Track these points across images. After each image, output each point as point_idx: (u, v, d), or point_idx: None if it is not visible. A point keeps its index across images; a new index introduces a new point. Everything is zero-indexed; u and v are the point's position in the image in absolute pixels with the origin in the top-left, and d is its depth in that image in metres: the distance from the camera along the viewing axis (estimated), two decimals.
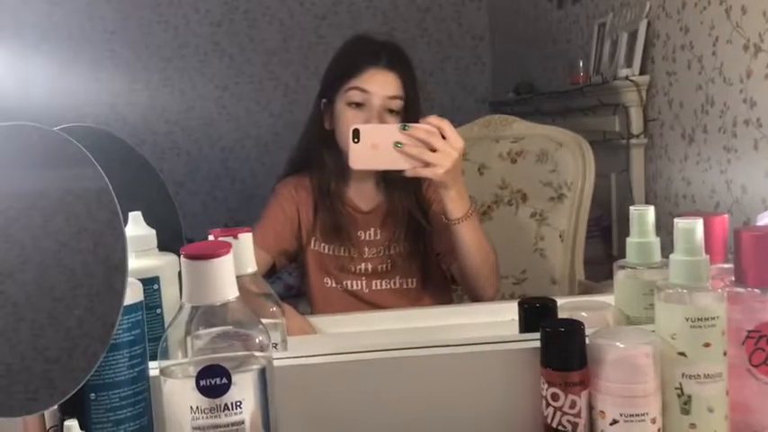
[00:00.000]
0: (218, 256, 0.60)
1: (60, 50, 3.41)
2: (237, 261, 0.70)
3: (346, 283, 1.28)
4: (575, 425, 0.64)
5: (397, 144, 1.04)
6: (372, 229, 1.28)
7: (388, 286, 1.28)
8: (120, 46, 3.57)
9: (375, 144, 1.05)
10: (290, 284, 2.52)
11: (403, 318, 1.16)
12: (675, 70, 1.86)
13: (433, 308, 1.26)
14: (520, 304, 0.75)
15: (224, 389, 0.60)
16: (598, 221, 1.92)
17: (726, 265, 0.70)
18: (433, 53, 3.86)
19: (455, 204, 1.12)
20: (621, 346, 0.63)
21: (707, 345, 0.62)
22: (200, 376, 0.59)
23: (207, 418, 0.60)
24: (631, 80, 1.97)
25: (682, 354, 0.63)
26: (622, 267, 0.75)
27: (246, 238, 0.71)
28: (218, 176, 3.72)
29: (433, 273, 1.31)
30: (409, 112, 1.22)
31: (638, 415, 0.62)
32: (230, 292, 0.61)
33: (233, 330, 0.62)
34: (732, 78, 1.60)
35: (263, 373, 0.62)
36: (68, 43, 3.46)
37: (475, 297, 1.23)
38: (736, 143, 1.60)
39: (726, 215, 0.74)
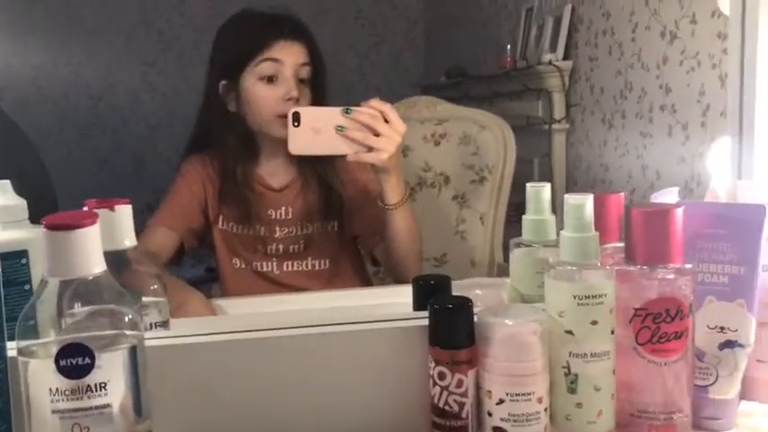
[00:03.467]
0: (82, 226, 0.56)
1: None
2: (114, 234, 0.66)
3: (256, 264, 1.24)
4: (461, 405, 0.62)
5: (339, 128, 1.01)
6: (284, 208, 1.24)
7: (300, 268, 1.24)
8: (41, 17, 3.40)
9: (316, 128, 1.01)
10: (211, 267, 2.47)
11: (315, 300, 1.13)
12: (597, 56, 1.88)
13: (347, 290, 1.24)
14: (414, 281, 0.73)
15: (86, 369, 0.56)
16: (520, 206, 1.93)
17: (620, 244, 0.70)
18: (368, 35, 3.83)
19: (393, 190, 1.10)
20: (509, 323, 0.61)
21: (594, 323, 0.62)
22: (59, 356, 0.55)
23: (68, 400, 0.56)
24: (555, 65, 1.98)
25: (569, 332, 0.62)
26: (518, 245, 0.73)
27: (125, 210, 0.67)
28: (143, 155, 3.61)
29: (348, 254, 1.28)
30: (317, 80, 1.19)
31: (524, 394, 0.61)
32: (95, 266, 0.57)
33: (105, 308, 0.58)
34: (649, 64, 1.63)
35: (133, 352, 0.58)
36: None
37: (399, 279, 1.21)
38: (652, 129, 1.62)
39: (622, 193, 0.74)
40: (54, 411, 0.56)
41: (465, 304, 0.63)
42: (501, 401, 0.61)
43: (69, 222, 0.55)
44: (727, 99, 0.87)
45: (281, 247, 1.23)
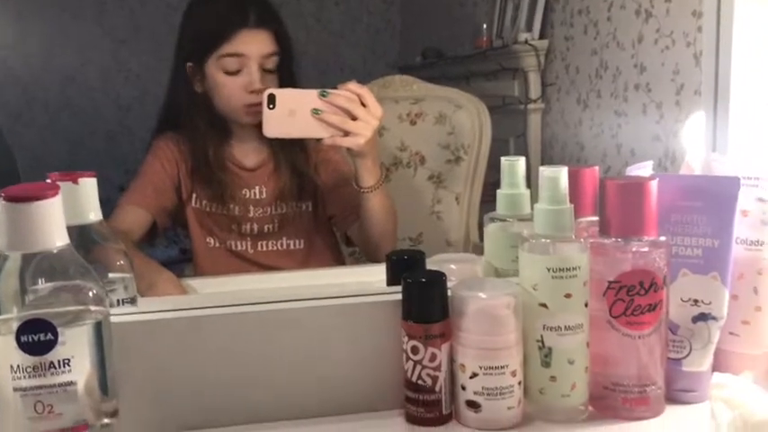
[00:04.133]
0: (43, 198, 0.54)
1: None
2: (78, 208, 0.65)
3: (230, 244, 1.22)
4: (434, 379, 0.62)
5: (315, 111, 0.99)
6: (258, 188, 1.22)
7: (275, 247, 1.23)
8: None
9: (292, 110, 0.99)
10: (185, 248, 2.44)
11: (288, 279, 1.12)
12: (573, 35, 1.87)
13: (322, 269, 1.23)
14: (387, 257, 0.72)
15: (49, 345, 0.54)
16: (495, 186, 1.93)
17: (594, 218, 0.69)
18: (344, 15, 3.79)
19: (369, 173, 1.08)
20: (482, 296, 0.61)
21: (568, 296, 0.61)
22: (21, 332, 0.54)
23: (30, 377, 0.54)
24: (531, 44, 1.97)
25: (543, 305, 0.61)
26: (493, 220, 0.73)
27: (89, 183, 0.65)
28: (115, 135, 3.55)
29: (323, 234, 1.27)
30: (286, 67, 1.16)
31: (497, 368, 0.61)
32: (57, 239, 0.55)
33: (69, 284, 0.57)
34: (625, 43, 1.62)
35: (98, 328, 0.57)
36: None
37: (375, 260, 1.20)
38: (626, 108, 1.62)
39: (596, 167, 0.73)
40: (16, 389, 0.54)
41: (438, 278, 0.62)
42: (474, 375, 0.61)
43: (29, 194, 0.54)
44: (702, 75, 0.87)
45: (255, 226, 1.21)
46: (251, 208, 1.21)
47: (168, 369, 0.64)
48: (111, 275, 0.67)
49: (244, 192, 1.21)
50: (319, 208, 1.24)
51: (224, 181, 1.20)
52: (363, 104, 1.01)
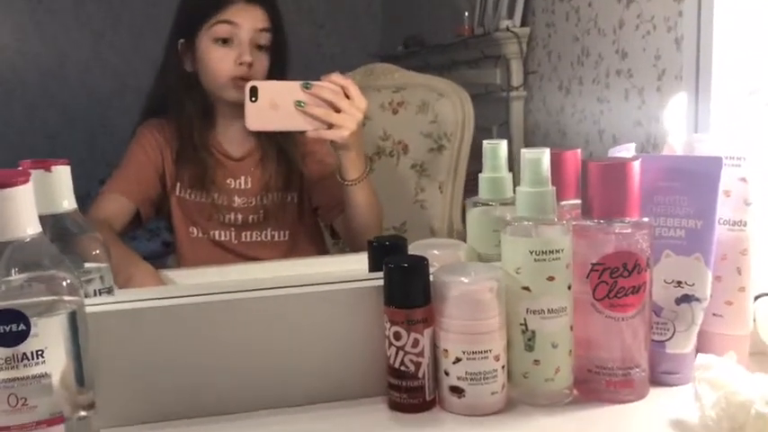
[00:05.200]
0: (12, 185, 0.52)
1: None
2: (52, 196, 0.63)
3: (213, 234, 1.21)
4: (417, 364, 0.61)
5: (299, 103, 0.97)
6: (243, 177, 1.21)
7: (259, 238, 1.22)
8: None
9: (274, 103, 0.97)
10: (167, 242, 2.42)
11: (271, 269, 1.11)
12: (554, 21, 1.87)
13: (305, 258, 1.22)
14: (369, 243, 0.71)
15: (21, 336, 0.53)
16: (478, 174, 1.92)
17: (577, 201, 0.69)
18: (325, 4, 3.76)
19: (353, 166, 1.07)
20: (465, 281, 0.60)
21: (551, 278, 0.61)
22: None
23: (3, 369, 0.53)
24: (512, 31, 1.96)
25: (526, 288, 0.61)
26: (475, 204, 0.72)
27: (62, 171, 0.63)
28: (94, 130, 3.51)
29: (307, 226, 1.26)
30: (278, 47, 1.16)
31: (481, 352, 0.60)
32: (29, 227, 0.54)
33: (43, 274, 0.55)
34: (606, 29, 1.62)
35: (72, 318, 0.56)
36: None
37: (359, 251, 1.20)
38: (608, 94, 1.62)
39: (578, 150, 0.73)
40: None
41: (420, 263, 0.61)
42: (458, 360, 0.60)
43: None
44: (683, 58, 0.86)
45: (239, 216, 1.20)
46: (235, 197, 1.20)
47: (146, 360, 0.62)
48: (87, 265, 0.66)
49: (229, 181, 1.20)
50: (305, 199, 1.24)
51: (208, 166, 1.18)
52: (347, 96, 1.00)
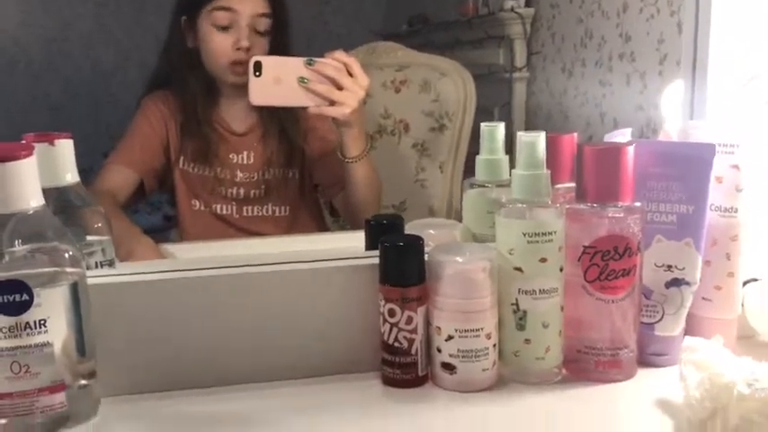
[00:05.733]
0: (16, 158, 0.53)
1: None
2: (55, 170, 0.64)
3: (215, 207, 1.22)
4: (410, 341, 0.63)
5: (302, 80, 0.98)
6: (246, 152, 1.22)
7: (260, 213, 1.23)
8: None
9: (278, 78, 0.98)
10: (169, 215, 2.43)
11: (271, 244, 1.12)
12: (558, 3, 1.86)
13: (305, 235, 1.23)
14: (366, 221, 0.72)
15: (25, 306, 0.54)
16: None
17: (572, 185, 0.70)
18: None
19: (354, 143, 1.08)
20: (459, 260, 0.61)
21: (543, 260, 0.62)
22: None
23: (6, 338, 0.54)
24: (517, 12, 1.95)
25: (518, 269, 0.62)
26: (472, 185, 0.73)
27: (65, 145, 0.64)
28: (99, 102, 3.50)
29: (308, 202, 1.28)
30: (278, 33, 1.16)
31: (473, 330, 0.61)
32: (32, 200, 0.55)
33: (45, 246, 0.56)
34: (610, 12, 1.62)
35: (74, 289, 0.57)
36: None
37: (359, 228, 1.21)
38: (611, 77, 1.62)
39: (575, 134, 0.74)
40: None
41: (415, 242, 0.63)
42: (450, 338, 0.62)
43: (2, 155, 0.53)
44: (682, 44, 0.87)
45: (241, 190, 1.21)
46: (237, 173, 1.21)
47: (146, 331, 0.64)
48: (89, 238, 0.67)
49: (231, 156, 1.21)
50: (306, 176, 1.25)
51: (211, 139, 1.20)
52: (350, 74, 1.01)
